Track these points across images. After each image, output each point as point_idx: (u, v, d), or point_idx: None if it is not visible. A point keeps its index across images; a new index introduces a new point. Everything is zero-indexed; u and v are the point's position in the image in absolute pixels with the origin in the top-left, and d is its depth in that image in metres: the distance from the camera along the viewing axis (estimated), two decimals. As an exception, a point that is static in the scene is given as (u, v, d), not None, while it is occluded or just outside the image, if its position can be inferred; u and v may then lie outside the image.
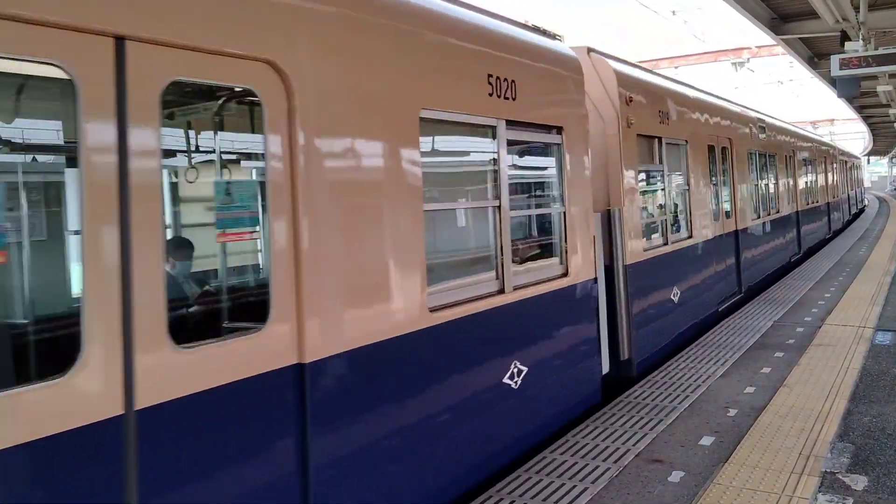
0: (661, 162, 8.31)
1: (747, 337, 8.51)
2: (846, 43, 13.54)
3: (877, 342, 7.98)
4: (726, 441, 5.20)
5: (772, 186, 14.07)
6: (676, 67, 28.24)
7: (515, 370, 5.01)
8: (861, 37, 13.39)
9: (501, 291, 4.98)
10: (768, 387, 6.47)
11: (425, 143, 4.35)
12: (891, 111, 27.27)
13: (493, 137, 5.02)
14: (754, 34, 20.64)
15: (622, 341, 7.00)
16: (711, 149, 10.24)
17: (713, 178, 10.21)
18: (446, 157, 5.10)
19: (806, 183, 17.98)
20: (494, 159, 5.04)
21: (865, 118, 39.37)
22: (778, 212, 14.34)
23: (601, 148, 7.07)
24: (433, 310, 4.23)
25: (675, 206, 9.06)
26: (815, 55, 20.45)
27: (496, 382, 4.84)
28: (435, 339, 4.20)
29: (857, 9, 12.74)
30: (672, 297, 8.19)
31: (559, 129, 5.80)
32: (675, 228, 8.80)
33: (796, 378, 6.71)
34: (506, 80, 5.02)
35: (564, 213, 5.85)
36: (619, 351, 6.98)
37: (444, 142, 4.96)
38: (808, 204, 17.76)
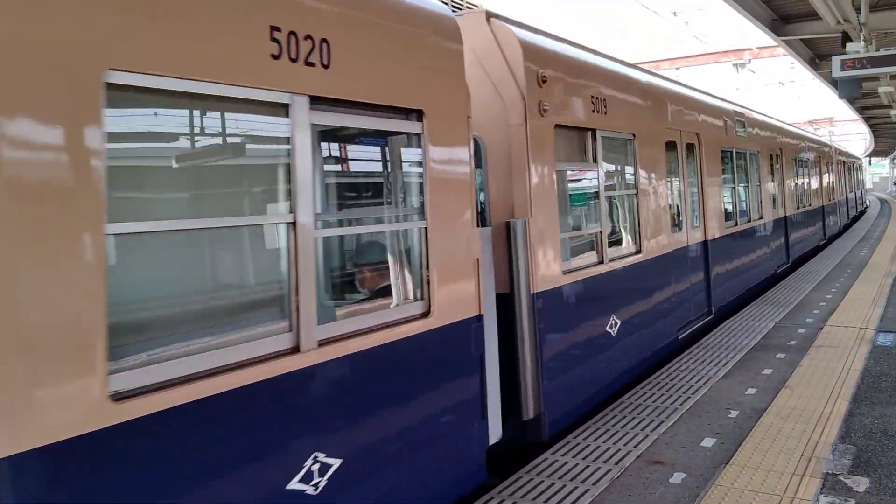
0: (595, 161, 6.59)
1: (748, 338, 8.51)
2: (847, 44, 13.59)
3: (878, 343, 7.97)
4: (728, 443, 5.20)
5: (754, 189, 12.54)
6: (678, 68, 28.37)
7: (316, 467, 3.42)
8: (862, 38, 13.44)
9: (296, 350, 3.38)
10: (770, 388, 6.46)
11: (123, 125, 2.88)
12: (892, 112, 27.33)
13: (286, 120, 3.42)
14: (755, 35, 20.74)
15: (525, 395, 5.35)
16: (673, 146, 8.70)
17: (674, 181, 8.77)
18: (182, 152, 3.35)
19: (797, 185, 16.82)
20: (287, 154, 3.42)
21: (867, 119, 39.42)
22: (761, 218, 12.83)
23: (502, 141, 5.48)
24: (121, 397, 2.61)
25: (620, 215, 7.36)
26: (816, 56, 20.51)
27: (273, 490, 3.21)
28: (123, 444, 2.59)
29: (858, 10, 12.79)
30: (608, 329, 6.55)
31: (419, 114, 4.24)
32: (616, 243, 7.13)
33: (798, 379, 6.71)
34: (309, 37, 3.45)
35: (426, 229, 4.25)
36: (522, 408, 5.36)
37: (177, 127, 3.25)
38: (798, 208, 16.66)
